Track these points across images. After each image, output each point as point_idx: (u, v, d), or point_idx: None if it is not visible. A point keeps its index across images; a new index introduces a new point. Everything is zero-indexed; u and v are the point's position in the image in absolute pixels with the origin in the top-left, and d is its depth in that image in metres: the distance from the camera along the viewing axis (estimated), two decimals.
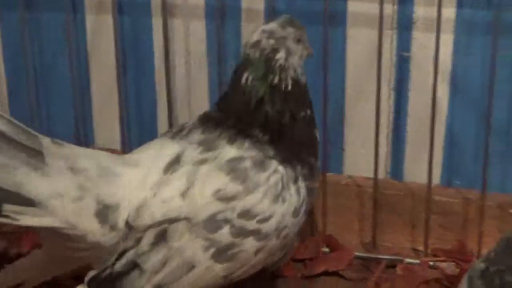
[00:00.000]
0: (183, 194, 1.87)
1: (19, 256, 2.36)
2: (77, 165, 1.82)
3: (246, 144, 1.94)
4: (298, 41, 1.99)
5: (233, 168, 1.91)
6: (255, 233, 1.90)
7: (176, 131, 2.02)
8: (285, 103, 1.97)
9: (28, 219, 1.73)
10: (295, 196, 1.97)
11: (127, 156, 2.02)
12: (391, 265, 2.38)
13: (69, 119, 2.66)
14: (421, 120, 2.39)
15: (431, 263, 2.36)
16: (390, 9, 2.29)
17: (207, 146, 1.94)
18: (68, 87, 2.63)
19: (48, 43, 2.67)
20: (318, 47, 2.28)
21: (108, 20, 2.50)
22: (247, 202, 1.89)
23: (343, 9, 2.37)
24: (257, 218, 1.90)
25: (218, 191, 1.87)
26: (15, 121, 1.74)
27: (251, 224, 1.89)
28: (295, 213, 1.96)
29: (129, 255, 1.85)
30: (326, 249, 2.45)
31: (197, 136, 1.95)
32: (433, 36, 2.23)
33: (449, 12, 2.27)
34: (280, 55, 1.96)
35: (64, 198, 1.78)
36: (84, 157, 1.87)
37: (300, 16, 2.23)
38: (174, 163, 1.92)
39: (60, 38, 2.61)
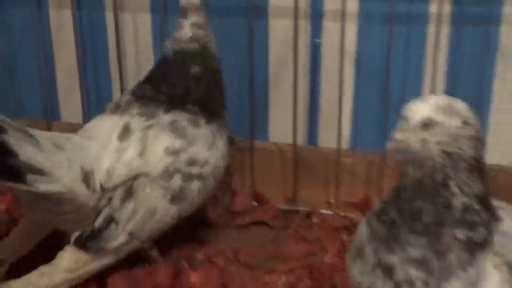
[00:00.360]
0: (140, 155, 1.95)
1: None
2: (59, 143, 1.86)
3: (179, 111, 2.03)
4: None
5: (174, 128, 2.01)
6: (198, 176, 2.03)
7: (113, 108, 2.07)
8: (210, 80, 2.08)
9: (44, 186, 1.76)
10: (221, 144, 2.11)
11: (83, 132, 2.04)
12: (308, 215, 2.42)
13: (37, 99, 2.64)
14: (332, 95, 2.39)
15: (341, 213, 2.39)
16: (304, 2, 2.30)
17: (148, 116, 2.01)
18: (36, 72, 2.62)
19: (15, 37, 2.65)
20: (244, 37, 2.34)
21: (68, 15, 2.47)
22: (190, 153, 2.01)
23: (265, 3, 2.37)
24: (199, 164, 2.03)
25: (167, 148, 1.98)
26: None
27: (195, 170, 2.02)
28: (223, 157, 2.11)
29: (105, 212, 1.92)
30: (254, 203, 2.48)
31: (136, 109, 2.02)
32: (339, 25, 2.26)
33: (353, 5, 2.29)
34: (211, 43, 2.05)
35: (62, 168, 1.82)
36: (58, 137, 1.91)
37: (227, 10, 2.35)
38: (125, 132, 1.98)
39: (27, 32, 2.59)
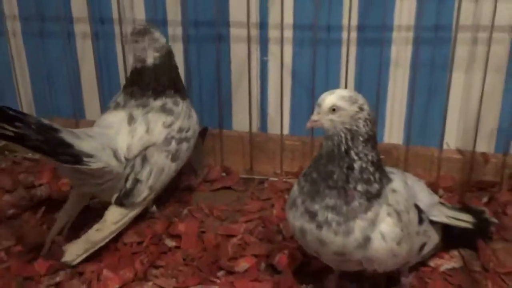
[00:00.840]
0: (147, 132, 2.09)
1: (41, 185, 2.43)
2: (90, 134, 1.98)
3: (163, 97, 2.14)
4: None
5: (164, 109, 2.13)
6: (185, 139, 2.17)
7: (115, 106, 2.16)
8: (176, 73, 2.19)
9: (94, 164, 1.90)
10: (194, 113, 2.23)
11: (100, 125, 2.11)
12: (262, 182, 2.50)
13: (68, 102, 2.67)
14: (276, 97, 2.44)
15: (284, 180, 2.47)
16: (255, 32, 2.38)
17: (143, 105, 2.12)
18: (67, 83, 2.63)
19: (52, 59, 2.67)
20: (214, 57, 2.39)
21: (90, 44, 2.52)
22: (178, 124, 2.14)
23: (228, 33, 2.42)
24: (185, 130, 2.16)
25: (163, 123, 2.11)
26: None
27: (183, 135, 2.16)
28: (197, 123, 2.23)
29: (132, 176, 2.06)
30: (224, 174, 2.54)
31: (133, 103, 2.13)
32: (280, 47, 2.32)
33: (289, 33, 2.36)
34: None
35: (100, 150, 1.95)
36: (87, 130, 2.03)
37: (202, 39, 2.42)
38: (131, 119, 2.10)
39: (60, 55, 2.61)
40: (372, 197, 1.64)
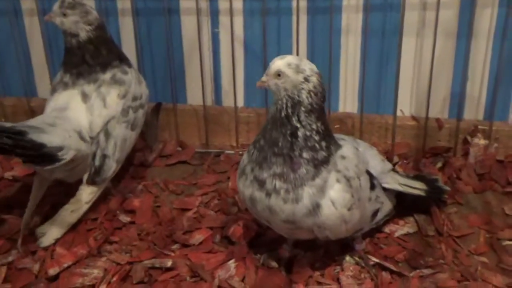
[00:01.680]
0: (105, 106, 2.06)
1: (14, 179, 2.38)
2: (51, 122, 1.94)
3: (110, 68, 2.11)
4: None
5: (115, 80, 2.10)
6: (141, 105, 2.17)
7: (63, 86, 2.10)
8: (114, 44, 2.16)
9: (66, 155, 1.88)
10: (142, 78, 2.22)
11: (54, 106, 2.07)
12: (218, 155, 2.50)
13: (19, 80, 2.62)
14: (229, 69, 2.40)
15: (240, 152, 2.46)
16: (205, 4, 2.36)
17: (93, 80, 2.08)
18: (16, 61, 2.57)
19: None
20: (164, 30, 2.37)
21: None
22: (131, 92, 2.13)
23: (177, 5, 2.39)
24: (138, 97, 2.15)
25: (118, 94, 2.09)
26: None
27: (138, 102, 2.15)
28: (147, 86, 2.22)
29: (98, 153, 2.04)
30: (179, 148, 2.53)
31: (82, 81, 2.07)
32: (229, 18, 2.31)
33: (239, 4, 2.34)
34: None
35: (66, 139, 1.91)
36: (45, 118, 2.01)
37: (151, 12, 2.39)
38: (85, 97, 2.06)
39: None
40: (320, 164, 1.65)
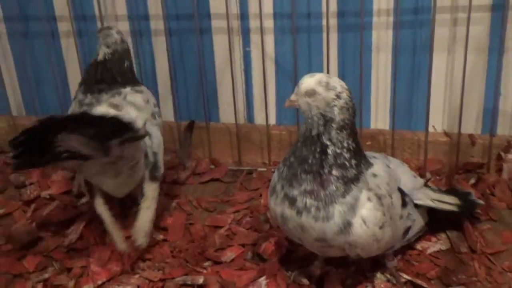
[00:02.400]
0: (138, 110, 2.08)
1: (31, 184, 2.43)
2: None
3: (129, 85, 2.13)
4: None
5: (135, 90, 2.13)
6: (158, 112, 2.19)
7: (87, 105, 2.09)
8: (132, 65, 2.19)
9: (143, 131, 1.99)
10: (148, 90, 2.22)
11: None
12: (250, 173, 2.51)
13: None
14: (260, 86, 2.43)
15: (272, 169, 2.40)
16: (236, 23, 2.40)
17: (117, 93, 2.10)
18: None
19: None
20: (196, 50, 2.39)
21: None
22: (151, 100, 2.17)
23: (209, 25, 2.43)
24: (156, 105, 2.19)
25: (143, 100, 2.13)
26: None
27: (156, 109, 2.17)
28: (156, 104, 2.21)
29: (149, 150, 2.06)
30: (212, 166, 2.55)
31: (105, 96, 2.08)
32: (260, 37, 2.34)
33: (269, 23, 2.37)
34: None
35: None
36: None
37: (184, 32, 2.42)
38: (116, 106, 2.06)
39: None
40: (350, 182, 1.64)
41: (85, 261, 2.01)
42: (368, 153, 1.78)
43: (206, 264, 2.00)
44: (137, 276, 1.95)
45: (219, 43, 2.44)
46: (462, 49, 2.21)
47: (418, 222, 1.92)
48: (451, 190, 2.12)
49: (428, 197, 1.96)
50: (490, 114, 2.34)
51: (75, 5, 2.47)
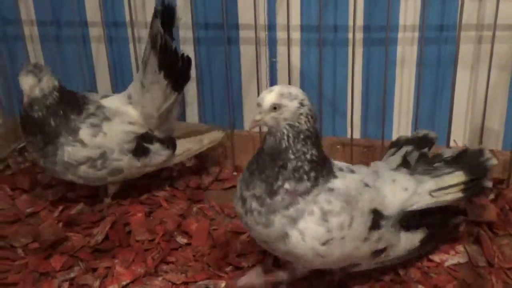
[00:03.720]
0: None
1: (58, 185, 2.47)
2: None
3: None
4: None
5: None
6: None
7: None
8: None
9: None
10: None
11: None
12: None
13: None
14: None
15: None
16: (264, 34, 2.41)
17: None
18: None
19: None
20: (224, 59, 2.41)
21: None
22: None
23: (237, 35, 2.45)
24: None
25: None
26: None
27: None
28: None
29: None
30: (235, 173, 2.57)
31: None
32: (287, 48, 2.36)
33: (296, 34, 2.38)
34: None
35: None
36: None
37: (212, 41, 2.45)
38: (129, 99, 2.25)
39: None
40: (298, 195, 1.65)
41: (110, 262, 2.06)
42: (352, 166, 1.81)
43: (228, 269, 2.02)
44: (160, 278, 1.99)
45: (246, 53, 2.46)
46: (486, 66, 2.23)
47: (399, 245, 1.87)
48: (458, 158, 2.01)
49: (426, 193, 1.90)
50: (511, 129, 2.36)
51: (107, 11, 2.51)
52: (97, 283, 1.98)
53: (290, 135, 1.62)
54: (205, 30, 2.44)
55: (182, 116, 2.64)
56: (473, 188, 1.96)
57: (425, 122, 2.42)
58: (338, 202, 1.68)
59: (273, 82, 2.50)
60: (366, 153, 2.46)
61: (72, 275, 2.03)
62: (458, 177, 1.95)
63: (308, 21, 2.36)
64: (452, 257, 2.05)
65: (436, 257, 2.04)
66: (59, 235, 2.18)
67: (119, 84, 2.63)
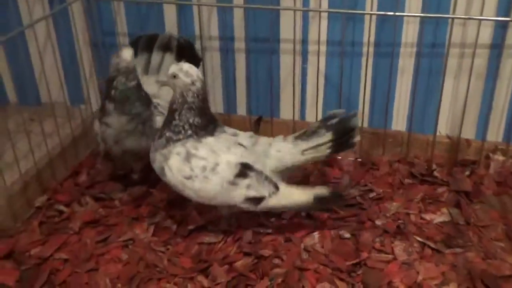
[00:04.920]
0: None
1: None
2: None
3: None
4: None
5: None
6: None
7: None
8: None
9: None
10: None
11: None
12: None
13: None
14: (313, 95, 2.41)
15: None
16: (298, 46, 2.36)
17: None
18: None
19: None
20: (267, 65, 2.38)
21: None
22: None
23: (278, 47, 2.39)
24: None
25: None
26: None
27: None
28: None
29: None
30: None
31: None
32: (316, 58, 2.32)
33: (323, 47, 2.31)
34: None
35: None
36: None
37: (260, 51, 2.38)
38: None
39: None
40: (172, 141, 1.70)
41: (183, 212, 2.06)
42: (244, 133, 1.79)
43: (272, 219, 2.03)
44: None
45: (285, 60, 2.43)
46: (466, 75, 2.21)
47: (276, 197, 1.76)
48: (326, 124, 1.83)
49: (299, 152, 1.79)
50: (482, 124, 2.34)
51: (181, 26, 2.47)
52: (175, 226, 2.00)
53: (180, 101, 1.68)
54: (255, 43, 2.42)
55: (233, 109, 2.59)
56: (340, 145, 1.80)
57: (418, 115, 2.40)
58: (203, 150, 1.71)
59: (303, 83, 2.47)
60: (372, 138, 2.43)
61: (156, 220, 2.04)
62: (326, 137, 1.80)
63: (333, 37, 2.34)
64: (439, 217, 2.05)
65: (427, 216, 2.05)
66: (144, 190, 2.20)
67: None
